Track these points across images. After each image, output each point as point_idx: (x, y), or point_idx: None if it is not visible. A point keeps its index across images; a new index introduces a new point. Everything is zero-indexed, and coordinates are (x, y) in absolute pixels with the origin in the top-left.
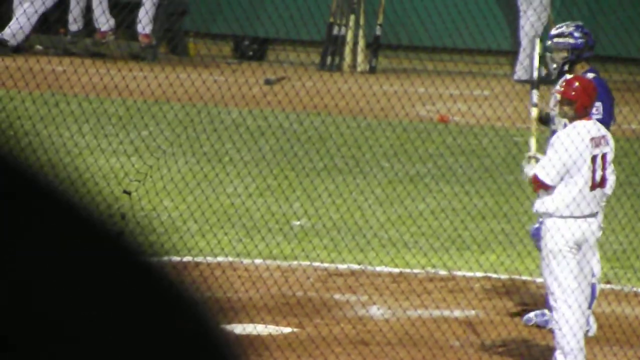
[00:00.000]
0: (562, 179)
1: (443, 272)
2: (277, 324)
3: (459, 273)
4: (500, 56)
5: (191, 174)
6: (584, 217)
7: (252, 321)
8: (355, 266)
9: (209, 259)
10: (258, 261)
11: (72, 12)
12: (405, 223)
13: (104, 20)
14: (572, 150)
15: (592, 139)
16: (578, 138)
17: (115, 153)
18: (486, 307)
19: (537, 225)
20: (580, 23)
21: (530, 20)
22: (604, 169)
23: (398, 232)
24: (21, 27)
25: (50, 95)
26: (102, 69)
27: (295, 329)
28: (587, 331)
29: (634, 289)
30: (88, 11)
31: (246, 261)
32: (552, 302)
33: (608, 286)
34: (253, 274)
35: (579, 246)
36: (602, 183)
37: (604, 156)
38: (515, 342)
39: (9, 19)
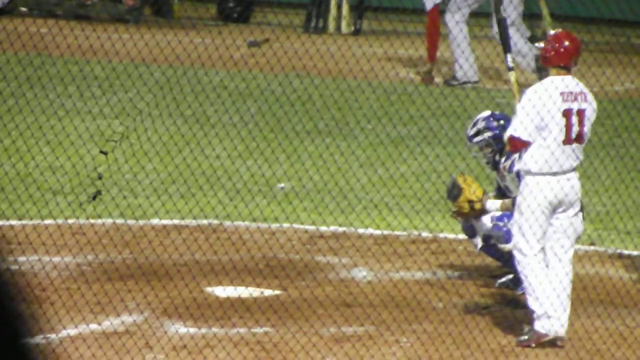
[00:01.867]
0: (536, 133)
1: (426, 235)
2: (259, 287)
3: (442, 235)
4: (481, 17)
5: (175, 136)
6: (562, 172)
7: (234, 284)
8: (339, 229)
9: (192, 222)
10: (240, 224)
11: None
12: (388, 185)
13: None
14: (538, 105)
15: (563, 93)
16: (545, 93)
17: (101, 114)
18: (469, 269)
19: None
20: (488, 112)
21: None
22: (581, 124)
23: (381, 194)
24: None
25: (35, 56)
26: (87, 30)
27: (278, 292)
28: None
29: (618, 250)
30: None
31: (229, 224)
32: (516, 258)
33: (592, 248)
34: (239, 236)
35: (557, 205)
36: (579, 139)
37: (581, 112)
38: (498, 304)
39: None
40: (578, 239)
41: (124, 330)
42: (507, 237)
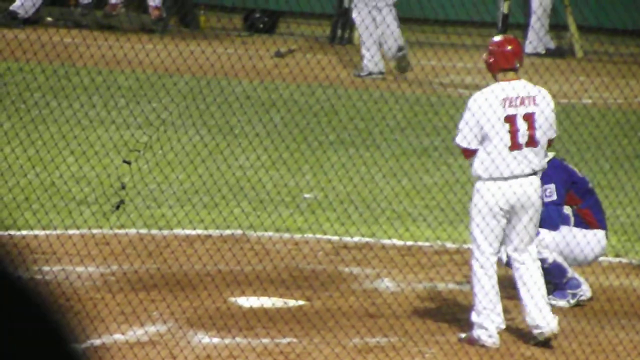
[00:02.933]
0: (481, 140)
1: (450, 246)
2: (283, 298)
3: (466, 246)
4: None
5: (201, 146)
6: (513, 177)
7: (258, 295)
8: (362, 239)
9: (219, 231)
10: (267, 234)
11: None
12: (413, 196)
13: None
14: (478, 114)
15: (505, 99)
16: (485, 102)
17: (125, 124)
18: None
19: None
20: None
21: None
22: (531, 128)
23: (405, 205)
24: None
25: (59, 66)
26: (111, 40)
27: (301, 302)
28: (581, 295)
29: None
30: None
31: (253, 234)
32: (470, 263)
33: (617, 259)
34: (262, 247)
35: (509, 210)
36: (532, 143)
37: (528, 116)
38: (521, 315)
39: None
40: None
41: (148, 340)
42: None
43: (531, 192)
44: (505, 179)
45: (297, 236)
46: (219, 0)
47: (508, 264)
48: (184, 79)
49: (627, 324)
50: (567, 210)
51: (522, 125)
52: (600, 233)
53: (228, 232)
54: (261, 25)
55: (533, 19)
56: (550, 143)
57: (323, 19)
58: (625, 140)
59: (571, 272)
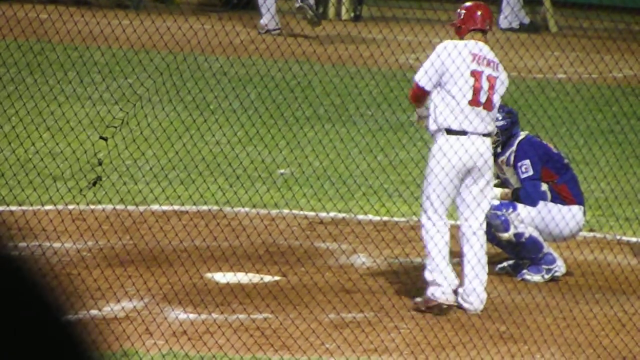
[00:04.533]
0: (436, 86)
1: None
2: (258, 273)
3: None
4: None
5: (175, 122)
6: (474, 133)
7: (233, 270)
8: (338, 215)
9: (193, 207)
10: (244, 209)
11: None
12: (389, 172)
13: None
14: (447, 60)
15: (474, 54)
16: (454, 49)
17: (101, 100)
18: None
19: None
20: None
21: None
22: (491, 90)
23: (380, 180)
24: None
25: (35, 42)
26: (87, 16)
27: (277, 278)
28: (556, 271)
29: (617, 236)
30: None
31: (229, 210)
32: (421, 222)
33: (591, 234)
34: (238, 222)
35: (468, 170)
36: (488, 104)
37: (492, 78)
38: (497, 290)
39: None
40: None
41: (124, 316)
42: (506, 225)
43: (487, 154)
44: (464, 132)
45: (273, 211)
46: None
47: (495, 242)
48: (160, 54)
49: (601, 298)
50: (543, 186)
51: (484, 84)
52: (576, 208)
53: (204, 207)
54: (236, 1)
55: None
56: None
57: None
58: (600, 115)
59: (547, 248)
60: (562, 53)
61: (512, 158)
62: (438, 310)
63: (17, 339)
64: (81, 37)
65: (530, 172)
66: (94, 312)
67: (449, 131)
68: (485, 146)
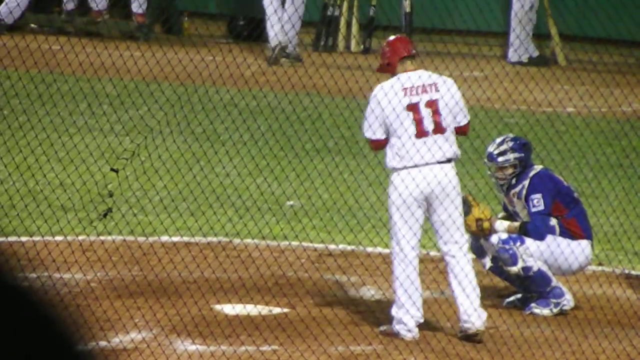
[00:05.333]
0: (387, 131)
1: (435, 254)
2: (267, 305)
3: None
4: (490, 37)
5: (186, 154)
6: (425, 164)
7: (242, 301)
8: (347, 247)
9: (202, 239)
10: (252, 241)
11: None
12: None
13: (98, 0)
14: (383, 103)
15: (406, 88)
16: (385, 93)
17: (112, 131)
18: None
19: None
20: (511, 135)
21: (519, 1)
22: (435, 114)
23: None
24: (17, 5)
25: (47, 74)
26: (98, 47)
27: (285, 310)
28: (564, 305)
29: (625, 270)
30: None
31: (237, 242)
32: (391, 257)
33: (600, 268)
34: (247, 254)
35: (427, 198)
36: (439, 129)
37: (432, 102)
38: (506, 324)
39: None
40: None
41: (133, 347)
42: (513, 259)
43: (446, 180)
44: (416, 165)
45: (282, 243)
46: (202, 6)
47: (491, 270)
48: (172, 86)
49: (609, 332)
50: (552, 220)
51: (426, 113)
52: (584, 243)
53: (213, 239)
54: (245, 33)
55: (512, 28)
56: (465, 129)
57: (308, 25)
58: (609, 149)
59: (555, 281)
60: (572, 87)
61: (523, 192)
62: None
63: None
64: (93, 69)
65: (541, 207)
66: (103, 343)
67: (402, 168)
68: (443, 173)
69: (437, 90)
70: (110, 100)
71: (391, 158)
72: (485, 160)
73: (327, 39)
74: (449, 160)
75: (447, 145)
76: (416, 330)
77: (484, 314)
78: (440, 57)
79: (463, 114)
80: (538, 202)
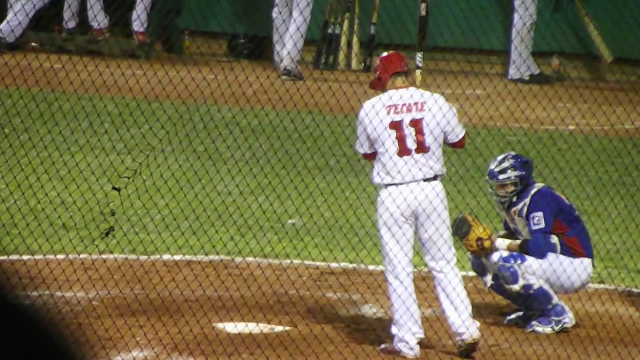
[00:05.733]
0: (373, 147)
1: None
2: (269, 323)
3: None
4: (492, 55)
5: (187, 172)
6: (408, 183)
7: (244, 320)
8: (349, 265)
9: (204, 257)
10: (254, 259)
11: (67, 9)
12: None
13: (99, 18)
14: (365, 120)
15: (390, 106)
16: (371, 110)
17: (114, 150)
18: (478, 306)
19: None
20: (512, 153)
21: (522, 18)
22: (419, 134)
23: None
24: (19, 24)
25: (48, 92)
26: (99, 66)
27: (287, 328)
28: (565, 322)
29: (628, 288)
30: (83, 9)
31: (239, 260)
32: (385, 276)
33: (602, 286)
34: (249, 272)
35: (412, 215)
36: (422, 148)
37: (414, 122)
38: (508, 342)
39: (5, 15)
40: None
41: None
42: (514, 277)
43: (432, 195)
44: (400, 184)
45: (284, 261)
46: (203, 25)
47: (492, 288)
48: (173, 104)
49: (612, 350)
50: (553, 238)
51: (408, 132)
52: (586, 261)
53: (215, 257)
54: (246, 51)
55: (513, 46)
56: (461, 143)
57: (308, 44)
58: (611, 166)
59: (556, 299)
60: (574, 104)
61: (524, 210)
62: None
63: None
64: (94, 87)
65: (542, 225)
66: None
67: (387, 185)
68: (429, 188)
69: (422, 109)
70: (111, 119)
71: (375, 174)
72: (487, 177)
73: (327, 57)
74: (434, 178)
75: (431, 162)
76: (417, 347)
77: (476, 323)
78: (443, 75)
79: (457, 131)
80: (539, 220)
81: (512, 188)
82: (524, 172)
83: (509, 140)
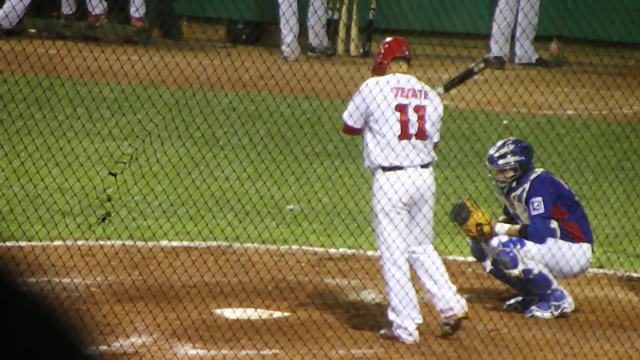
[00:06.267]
0: (366, 124)
1: None
2: (268, 309)
3: (451, 257)
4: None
5: (185, 158)
6: (410, 167)
7: (243, 306)
8: (348, 251)
9: (202, 243)
10: (253, 245)
11: None
12: None
13: (96, 3)
14: (369, 98)
15: (397, 88)
16: (376, 87)
17: (110, 136)
18: (477, 292)
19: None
20: (512, 138)
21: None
22: (421, 120)
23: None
24: (15, 10)
25: (44, 78)
26: (96, 52)
27: (286, 314)
28: (565, 307)
29: (627, 273)
30: None
31: (238, 246)
32: (381, 262)
33: (601, 270)
34: (247, 258)
35: (409, 201)
36: (421, 135)
37: (420, 108)
38: (507, 327)
39: (2, 2)
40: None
41: (134, 351)
42: (514, 262)
43: (429, 182)
44: (402, 168)
45: (283, 247)
46: (201, 11)
47: (492, 273)
48: (169, 90)
49: (611, 335)
50: (553, 223)
51: (412, 116)
52: (585, 246)
53: (213, 243)
54: (244, 37)
55: (518, 31)
56: (434, 147)
57: (307, 29)
58: (610, 151)
59: (556, 284)
60: (572, 89)
61: (524, 195)
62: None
63: None
64: (90, 73)
65: (541, 210)
66: (103, 347)
67: (385, 168)
68: (423, 177)
69: (426, 97)
70: (108, 105)
71: (374, 157)
72: (486, 163)
73: (329, 43)
74: (428, 164)
75: (427, 149)
76: (416, 333)
77: (462, 299)
78: (440, 59)
79: (439, 132)
80: (538, 205)
81: (511, 173)
82: (523, 158)
83: (507, 125)
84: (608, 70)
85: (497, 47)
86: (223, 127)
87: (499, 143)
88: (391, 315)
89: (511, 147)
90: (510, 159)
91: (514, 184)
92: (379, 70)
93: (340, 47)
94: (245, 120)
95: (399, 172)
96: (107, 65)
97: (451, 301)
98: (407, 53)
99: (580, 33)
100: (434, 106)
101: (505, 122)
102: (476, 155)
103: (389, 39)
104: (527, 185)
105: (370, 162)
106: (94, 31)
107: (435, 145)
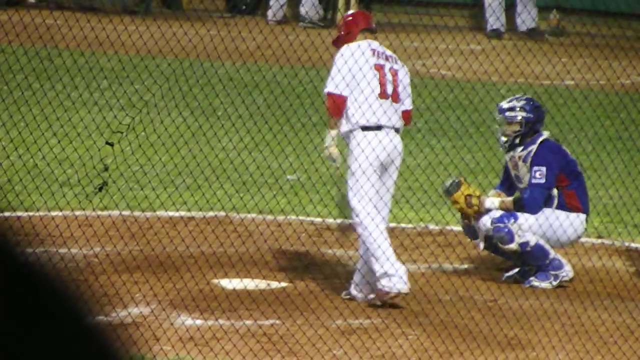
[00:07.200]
0: (350, 89)
1: (433, 227)
2: (265, 279)
3: (449, 228)
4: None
5: (182, 128)
6: (389, 127)
7: (240, 276)
8: (346, 221)
9: (199, 213)
10: (250, 215)
11: None
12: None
13: None
14: (350, 61)
15: (373, 50)
16: (357, 49)
17: (108, 106)
18: (476, 262)
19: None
20: (528, 96)
21: None
22: (395, 82)
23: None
24: None
25: (41, 48)
26: (94, 21)
27: (284, 284)
28: (564, 276)
29: (625, 243)
30: None
31: (236, 216)
32: (354, 219)
33: (599, 241)
34: (245, 228)
35: (386, 163)
36: (395, 97)
37: (393, 71)
38: (505, 297)
39: None
40: None
41: (131, 322)
42: (510, 237)
43: (399, 149)
44: (380, 128)
45: (280, 218)
46: None
47: (486, 249)
48: (167, 60)
49: (609, 304)
50: (553, 191)
51: (388, 76)
52: (582, 216)
53: (211, 213)
54: (244, 7)
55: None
56: (409, 114)
57: None
58: (608, 121)
59: (553, 254)
60: (570, 59)
61: (529, 158)
62: (392, 300)
63: (43, 342)
64: (87, 43)
65: (542, 180)
66: (100, 318)
67: (365, 127)
68: (397, 140)
69: (396, 62)
70: (105, 75)
71: (357, 114)
72: (496, 112)
73: (325, 13)
74: (399, 130)
75: (398, 115)
76: (401, 282)
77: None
78: (437, 29)
79: (410, 99)
80: (541, 175)
81: (517, 127)
82: (532, 116)
83: (504, 96)
84: (606, 41)
85: (493, 17)
86: (220, 97)
87: (513, 97)
88: (377, 267)
89: (523, 102)
90: (519, 113)
91: (516, 141)
92: (347, 39)
93: (338, 17)
94: (243, 90)
95: (377, 132)
96: (104, 35)
97: (396, 277)
98: (373, 25)
99: (579, 4)
100: (405, 71)
101: (504, 93)
102: (473, 125)
103: (352, 10)
104: (534, 148)
105: (350, 124)
106: (94, 1)
107: (410, 113)
